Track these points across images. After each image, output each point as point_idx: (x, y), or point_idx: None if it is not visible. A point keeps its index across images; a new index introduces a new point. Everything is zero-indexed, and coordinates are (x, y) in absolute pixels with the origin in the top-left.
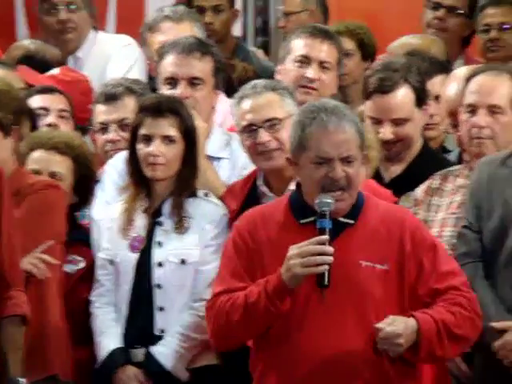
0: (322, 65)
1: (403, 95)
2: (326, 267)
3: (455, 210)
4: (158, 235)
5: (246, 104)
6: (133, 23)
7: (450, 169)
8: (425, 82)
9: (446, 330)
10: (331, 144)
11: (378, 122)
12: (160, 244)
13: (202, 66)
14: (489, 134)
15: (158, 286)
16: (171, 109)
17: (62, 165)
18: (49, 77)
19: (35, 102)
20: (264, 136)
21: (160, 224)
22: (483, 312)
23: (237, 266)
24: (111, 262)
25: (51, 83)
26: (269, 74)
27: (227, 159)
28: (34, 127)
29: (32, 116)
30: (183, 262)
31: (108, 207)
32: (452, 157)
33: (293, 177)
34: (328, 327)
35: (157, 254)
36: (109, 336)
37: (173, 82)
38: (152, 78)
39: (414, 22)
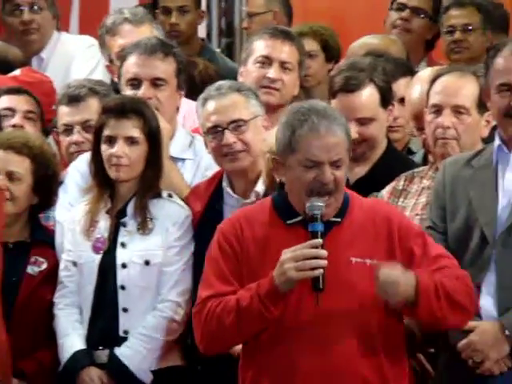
0: (283, 65)
1: (368, 95)
2: (321, 271)
3: (420, 211)
4: (122, 236)
5: (211, 105)
6: (96, 24)
7: (416, 170)
8: (390, 82)
9: (445, 292)
10: (322, 148)
11: None
12: (124, 245)
13: (164, 67)
14: (453, 135)
15: (122, 287)
16: (135, 110)
17: (19, 164)
18: (10, 78)
19: (1, 102)
20: (229, 137)
21: (124, 225)
22: None
23: (223, 270)
24: (74, 264)
25: (12, 84)
26: (234, 76)
27: (191, 160)
28: None
29: None
30: (147, 263)
31: (71, 209)
32: (417, 158)
33: (256, 179)
34: (322, 329)
35: (121, 255)
36: (72, 338)
37: (136, 82)
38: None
39: (378, 24)
